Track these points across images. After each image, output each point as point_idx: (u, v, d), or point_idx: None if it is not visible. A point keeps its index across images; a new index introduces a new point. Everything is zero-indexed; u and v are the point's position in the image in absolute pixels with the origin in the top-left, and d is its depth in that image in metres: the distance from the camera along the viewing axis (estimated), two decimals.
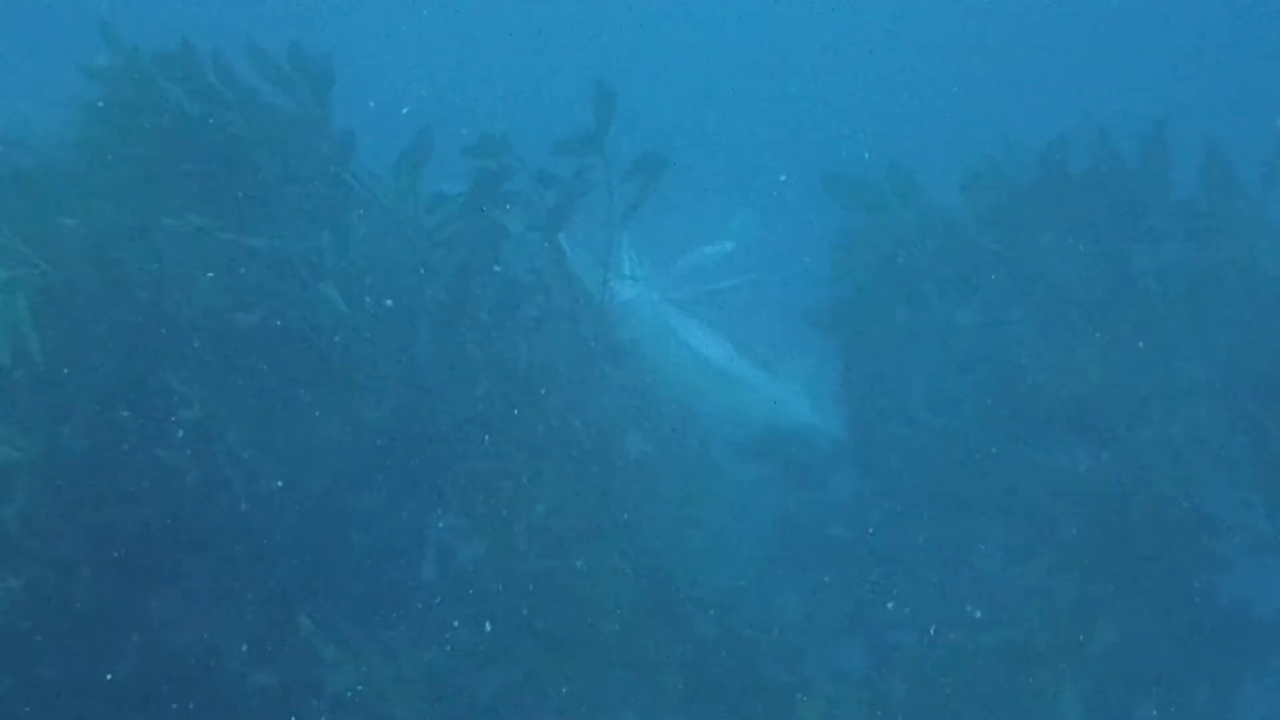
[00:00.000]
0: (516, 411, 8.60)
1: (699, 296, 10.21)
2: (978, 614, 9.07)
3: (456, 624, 8.32)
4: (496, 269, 8.69)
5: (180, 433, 7.72)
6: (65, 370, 7.66)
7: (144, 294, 7.86)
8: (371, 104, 10.25)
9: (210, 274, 7.99)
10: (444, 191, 8.73)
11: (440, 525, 8.79)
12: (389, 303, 8.51)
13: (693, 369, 9.94)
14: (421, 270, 8.59)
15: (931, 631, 9.15)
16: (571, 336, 8.74)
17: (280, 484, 8.03)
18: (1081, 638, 8.67)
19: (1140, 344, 9.22)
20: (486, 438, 8.58)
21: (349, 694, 7.88)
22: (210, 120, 8.18)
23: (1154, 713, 9.02)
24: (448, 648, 8.19)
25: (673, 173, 8.70)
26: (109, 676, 7.63)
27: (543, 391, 8.68)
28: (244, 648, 7.90)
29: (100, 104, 8.16)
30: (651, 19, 31.42)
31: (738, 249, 10.63)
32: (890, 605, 9.34)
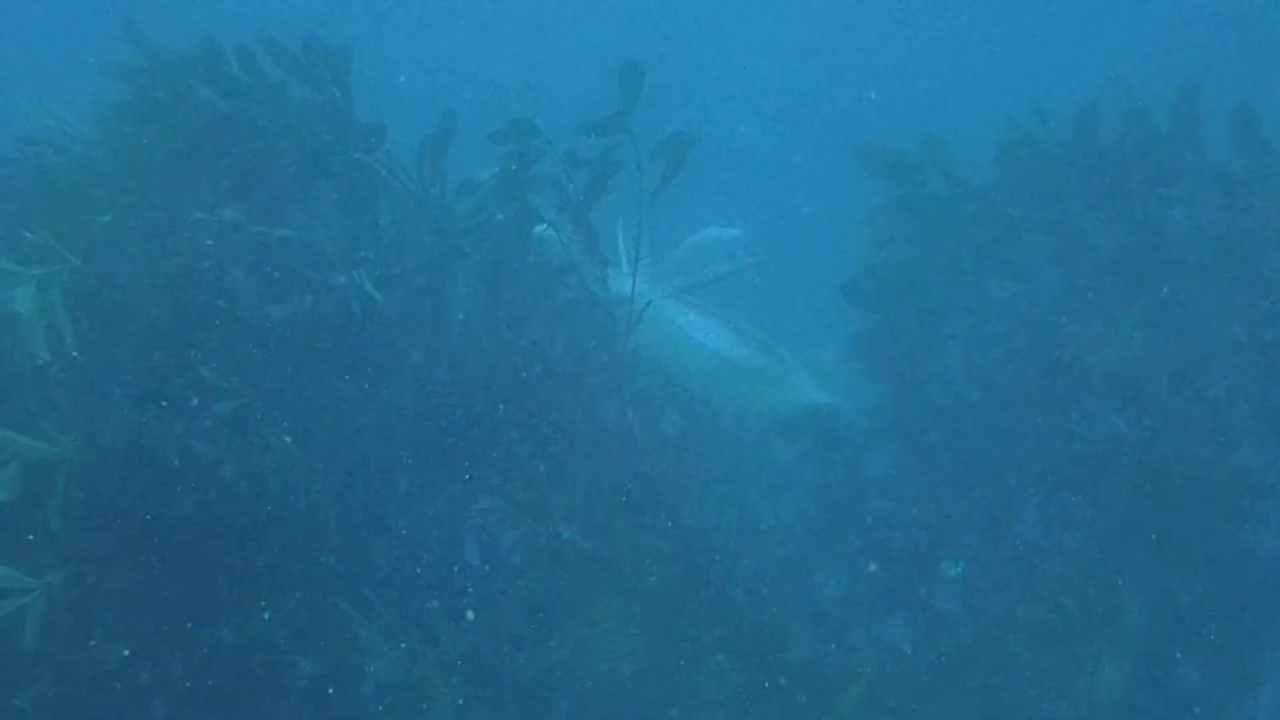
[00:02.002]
0: (552, 394, 8.62)
1: (698, 284, 10.15)
2: (1020, 582, 9.10)
3: (497, 606, 8.37)
4: (528, 253, 8.71)
5: (216, 425, 7.77)
6: (101, 366, 7.72)
7: (177, 288, 7.90)
8: (403, 92, 10.27)
9: (242, 266, 8.02)
10: (474, 177, 8.75)
11: (479, 509, 8.83)
12: (421, 289, 8.54)
13: (695, 359, 9.89)
14: (453, 257, 8.61)
15: (974, 602, 9.18)
16: (605, 318, 8.74)
17: (318, 473, 8.08)
18: (1123, 602, 8.66)
19: (1178, 308, 9.19)
20: (523, 421, 8.60)
21: (392, 679, 7.93)
22: (239, 116, 8.20)
23: (1195, 672, 9.02)
24: (489, 631, 8.23)
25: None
26: (152, 669, 7.70)
27: (578, 374, 8.70)
28: (287, 636, 7.95)
29: (129, 102, 8.20)
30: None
31: (744, 234, 10.56)
32: (932, 576, 9.35)
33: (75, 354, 7.54)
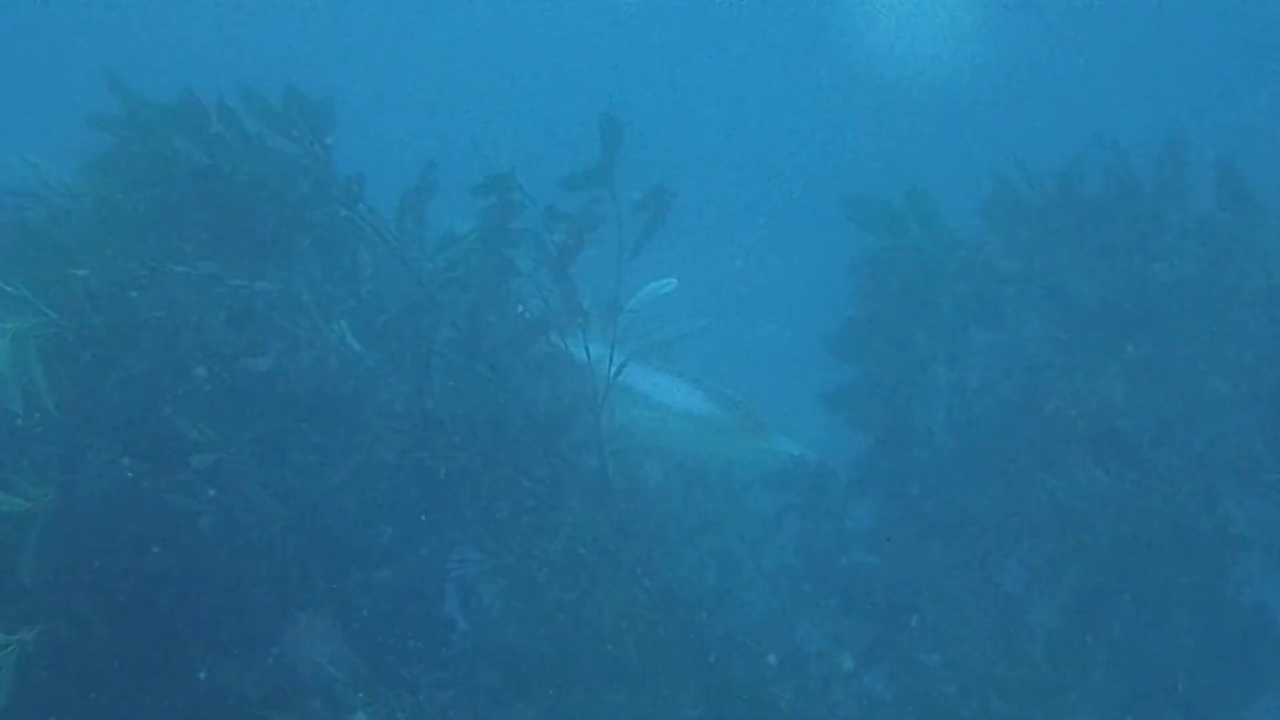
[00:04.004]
0: (533, 446, 8.60)
1: (657, 342, 10.10)
2: (1001, 636, 9.06)
3: (476, 661, 8.34)
4: (508, 306, 8.69)
5: (193, 478, 7.74)
6: (77, 419, 7.70)
7: (155, 341, 7.88)
8: (378, 144, 10.26)
9: (221, 319, 8.01)
10: (453, 230, 8.75)
11: (459, 562, 8.80)
12: (402, 341, 8.52)
13: (669, 420, 9.86)
14: (433, 309, 8.59)
15: (956, 656, 9.15)
16: (583, 372, 8.72)
17: (296, 527, 8.05)
18: (1104, 657, 8.65)
19: (1161, 361, 9.19)
20: (504, 473, 8.58)
21: None
22: (217, 169, 8.21)
23: None
24: (466, 685, 8.19)
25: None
26: None
27: (559, 427, 8.68)
28: (262, 690, 7.91)
29: (108, 154, 8.21)
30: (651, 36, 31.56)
31: (680, 287, 10.45)
32: (914, 630, 9.32)
33: (51, 407, 7.52)
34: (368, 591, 8.43)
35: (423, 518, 8.63)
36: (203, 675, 7.83)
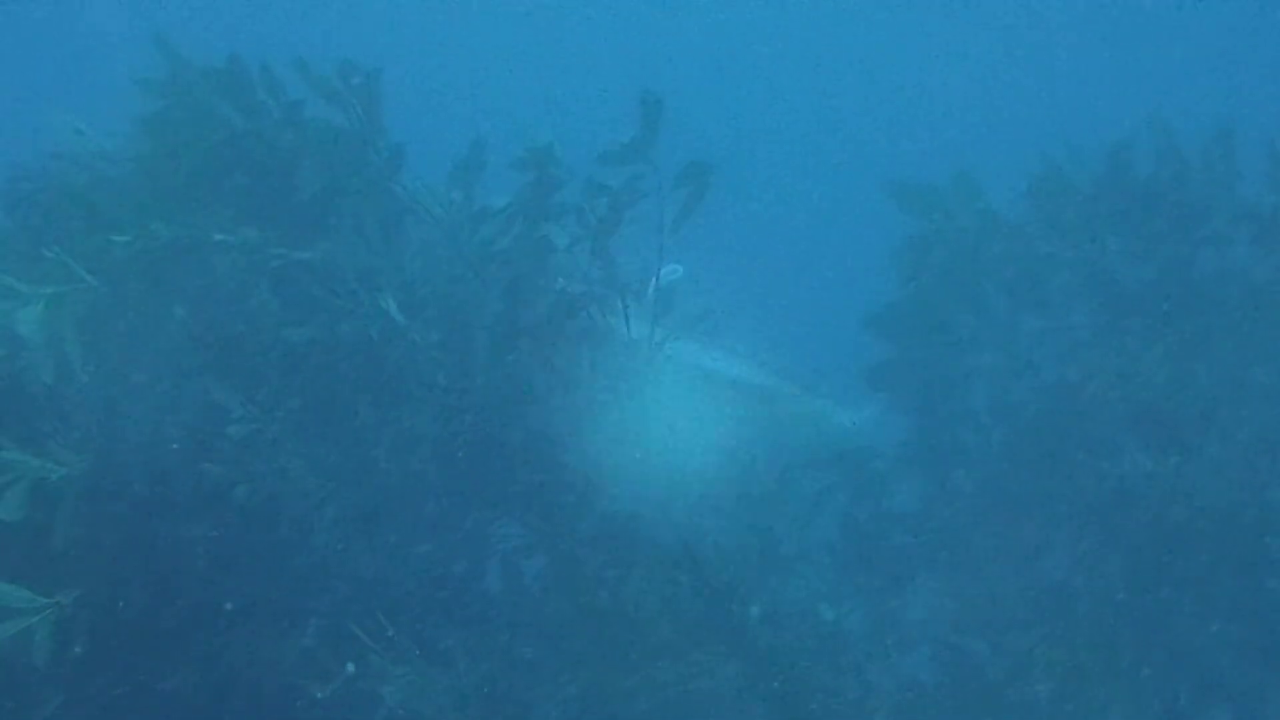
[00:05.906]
0: (575, 422, 8.57)
1: (692, 317, 10.01)
2: (1045, 620, 9.01)
3: (515, 635, 8.32)
4: (548, 280, 8.66)
5: (231, 447, 7.73)
6: (114, 386, 7.70)
7: (194, 309, 7.88)
8: (421, 117, 10.23)
9: (261, 288, 8.00)
10: (493, 204, 8.72)
11: (500, 536, 8.79)
12: (444, 314, 8.50)
13: (719, 393, 9.74)
14: (476, 282, 8.56)
15: (999, 639, 9.10)
16: (624, 346, 8.69)
17: (334, 496, 8.04)
18: (1146, 644, 8.61)
19: (1206, 348, 9.12)
20: (545, 447, 8.56)
21: (404, 706, 7.88)
22: (260, 135, 8.20)
23: (1223, 714, 8.92)
24: (505, 659, 8.18)
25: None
26: (164, 691, 7.66)
27: (601, 400, 8.65)
28: (299, 660, 7.91)
29: (151, 119, 8.20)
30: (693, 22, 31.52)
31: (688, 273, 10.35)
32: (956, 612, 9.27)
33: (84, 374, 7.51)
34: (408, 563, 8.43)
35: (465, 491, 8.61)
36: (238, 642, 7.84)
